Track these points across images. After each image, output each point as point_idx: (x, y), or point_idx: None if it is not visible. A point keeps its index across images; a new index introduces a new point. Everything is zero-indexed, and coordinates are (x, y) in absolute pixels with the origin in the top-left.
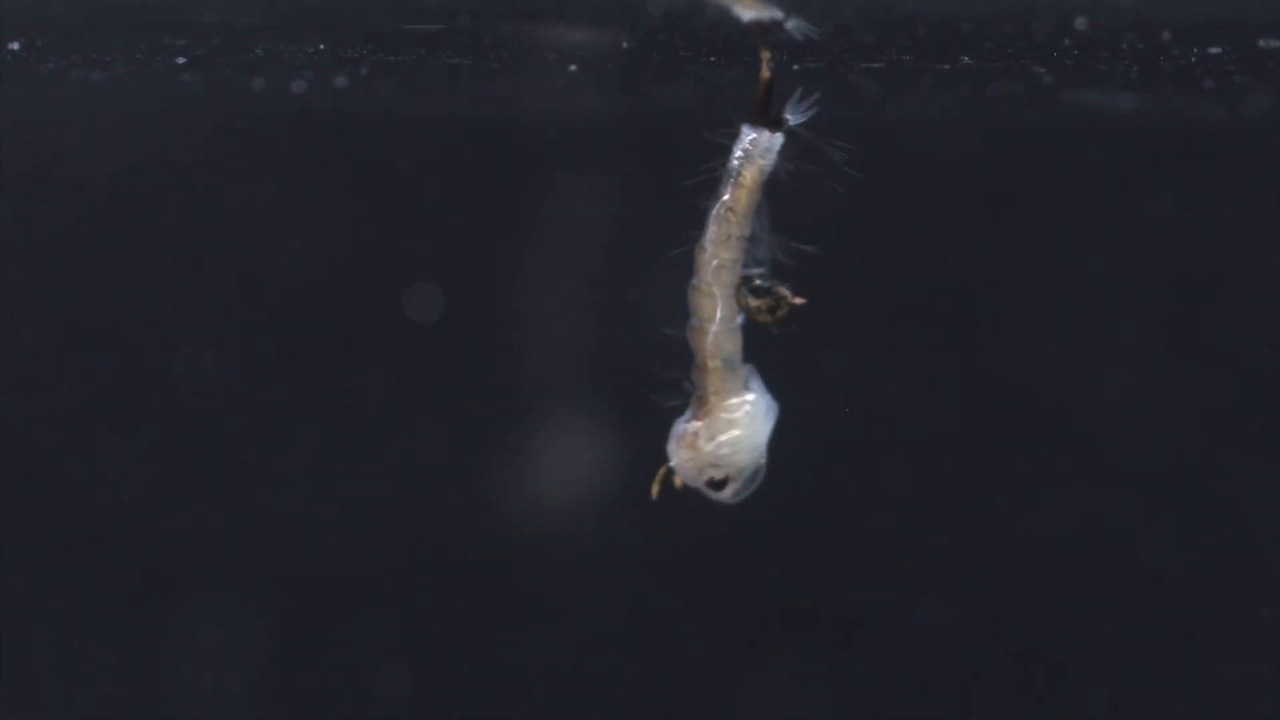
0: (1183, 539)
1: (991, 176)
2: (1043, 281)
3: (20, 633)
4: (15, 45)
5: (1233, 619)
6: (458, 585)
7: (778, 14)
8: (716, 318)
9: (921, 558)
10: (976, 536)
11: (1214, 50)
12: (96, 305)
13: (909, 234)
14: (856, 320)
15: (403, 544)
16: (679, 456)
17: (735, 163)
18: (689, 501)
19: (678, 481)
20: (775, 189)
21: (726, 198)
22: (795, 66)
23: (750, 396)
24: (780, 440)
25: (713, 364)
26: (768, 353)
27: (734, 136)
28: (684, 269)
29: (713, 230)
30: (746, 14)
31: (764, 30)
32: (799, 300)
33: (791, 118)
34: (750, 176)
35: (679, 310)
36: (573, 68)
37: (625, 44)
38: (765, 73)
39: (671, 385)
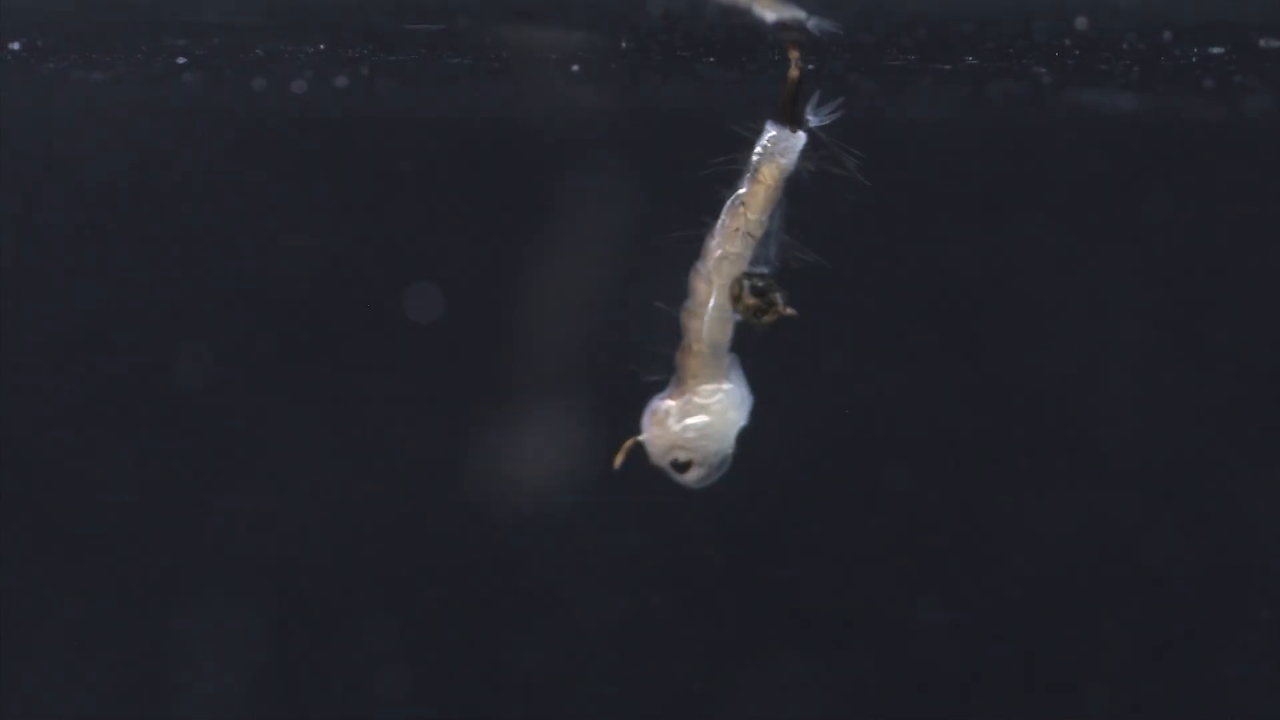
0: (1183, 539)
1: (991, 176)
2: (1043, 281)
3: (20, 633)
4: (15, 45)
5: (1233, 619)
6: (458, 585)
7: (800, 14)
8: (710, 305)
9: (921, 558)
10: (976, 536)
11: (1214, 50)
12: (96, 305)
13: (909, 234)
14: (856, 320)
15: (403, 544)
16: (649, 433)
17: (755, 159)
18: (688, 502)
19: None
20: (792, 190)
21: (743, 191)
22: (810, 66)
23: (727, 386)
24: (780, 440)
25: (698, 348)
26: (768, 352)
27: (757, 132)
28: (692, 252)
29: (725, 221)
30: (770, 15)
31: (791, 31)
32: (790, 311)
33: (814, 120)
34: (769, 174)
35: (681, 291)
36: (575, 68)
37: (625, 44)
38: (794, 72)
39: (658, 360)
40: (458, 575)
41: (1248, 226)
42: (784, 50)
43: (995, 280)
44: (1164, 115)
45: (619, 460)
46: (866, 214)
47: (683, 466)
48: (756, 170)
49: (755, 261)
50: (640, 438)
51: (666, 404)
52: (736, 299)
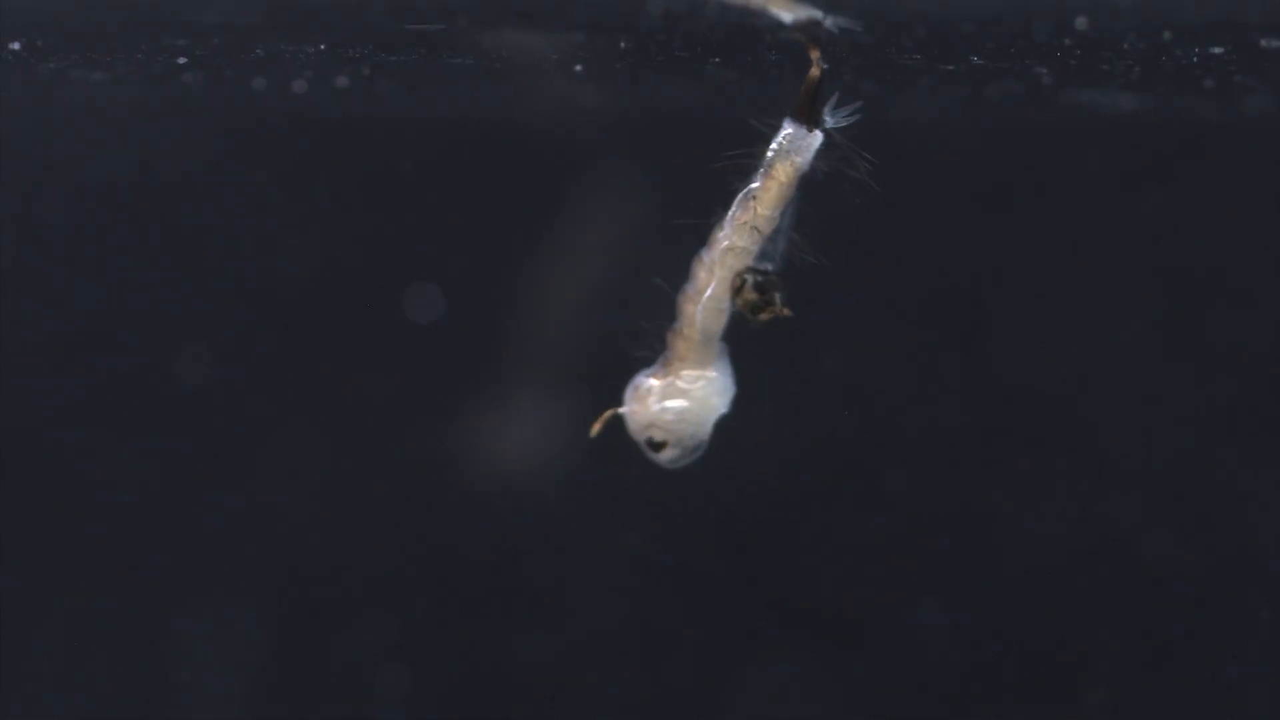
0: (1183, 539)
1: (991, 176)
2: (1043, 281)
3: (20, 633)
4: (15, 45)
5: (1233, 619)
6: (457, 585)
7: (816, 13)
8: (708, 293)
9: (921, 558)
10: (976, 536)
11: (1214, 50)
12: (97, 305)
13: (909, 234)
14: (856, 320)
15: (403, 544)
16: (629, 407)
17: (770, 155)
18: (689, 502)
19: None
20: (804, 189)
21: (756, 186)
22: (826, 65)
23: (712, 374)
24: (780, 440)
25: (689, 332)
26: (767, 352)
27: (774, 128)
28: (699, 240)
29: (735, 213)
30: (788, 16)
31: (810, 30)
32: (787, 312)
33: (831, 121)
34: (783, 171)
35: (684, 274)
36: (576, 68)
37: (624, 44)
38: (815, 71)
39: (650, 336)
40: (458, 575)
41: (1248, 226)
42: (781, 51)
43: (995, 280)
44: (1164, 115)
45: (596, 429)
46: (866, 214)
47: (657, 445)
48: (771, 167)
49: (762, 257)
50: (620, 410)
51: (650, 382)
52: (737, 292)
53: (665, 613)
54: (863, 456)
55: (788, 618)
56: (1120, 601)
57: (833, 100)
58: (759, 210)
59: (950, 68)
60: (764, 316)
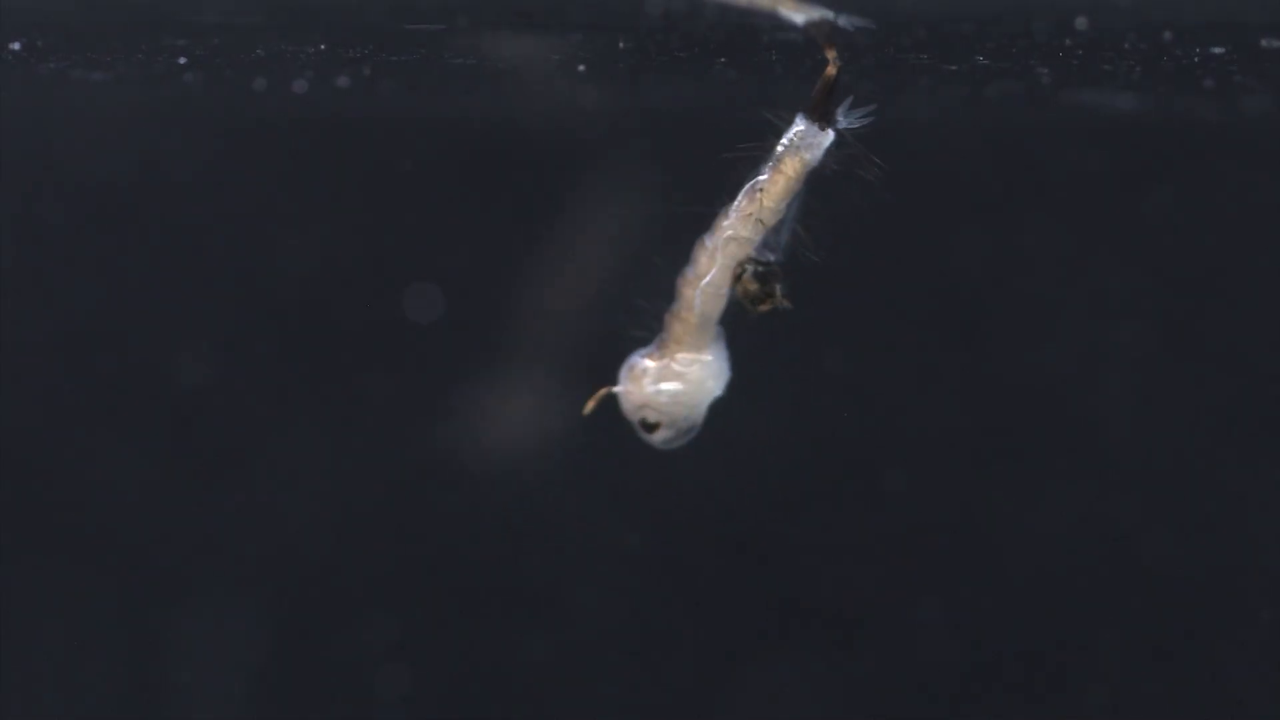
0: (1183, 539)
1: (991, 176)
2: (1043, 281)
3: (20, 633)
4: (16, 45)
5: (1233, 619)
6: (457, 585)
7: (828, 13)
8: (706, 279)
9: (921, 558)
10: (976, 536)
11: (1214, 50)
12: (97, 305)
13: (909, 234)
14: (857, 320)
15: (402, 544)
16: (623, 387)
17: (780, 149)
18: (689, 502)
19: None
20: (812, 185)
21: (764, 178)
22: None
23: (706, 358)
24: (780, 440)
25: (686, 315)
26: (767, 353)
27: (786, 123)
28: (702, 226)
29: (741, 203)
30: (800, 17)
31: (825, 30)
32: (786, 303)
33: (844, 121)
34: (792, 166)
35: (685, 258)
36: (578, 68)
37: (623, 44)
38: (831, 70)
39: (647, 316)
40: (457, 575)
41: (1248, 226)
42: (781, 50)
43: (995, 280)
44: (1164, 115)
45: (589, 407)
46: (866, 213)
47: (650, 426)
48: (780, 160)
49: (764, 248)
50: (614, 389)
51: (645, 363)
52: (737, 281)
53: (665, 612)
54: (863, 456)
55: (787, 618)
56: (1120, 601)
57: (848, 101)
58: (764, 203)
59: (951, 68)
60: (763, 307)
